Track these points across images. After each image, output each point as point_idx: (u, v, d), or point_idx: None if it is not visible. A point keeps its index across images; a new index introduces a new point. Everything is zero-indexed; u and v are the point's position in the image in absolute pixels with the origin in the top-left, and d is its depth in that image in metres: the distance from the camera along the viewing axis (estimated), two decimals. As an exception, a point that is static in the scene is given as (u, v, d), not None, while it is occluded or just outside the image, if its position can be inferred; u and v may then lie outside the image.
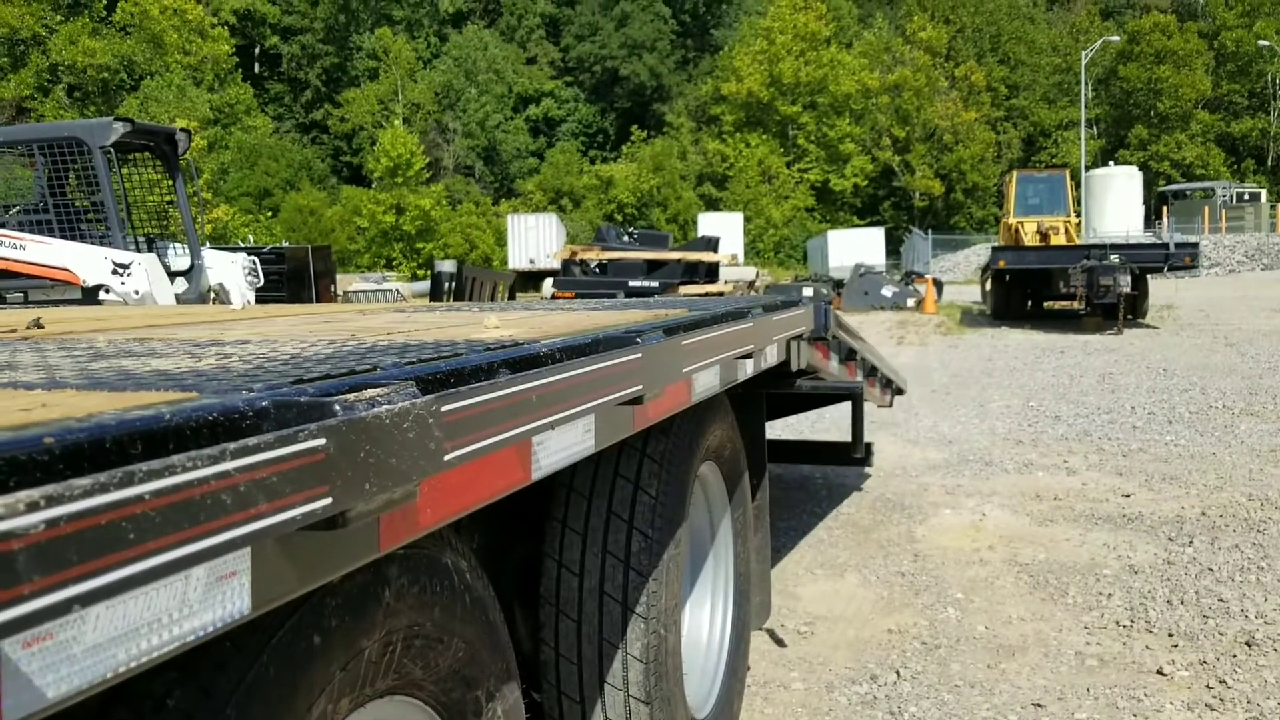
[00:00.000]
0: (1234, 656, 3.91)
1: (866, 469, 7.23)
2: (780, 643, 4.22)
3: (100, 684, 0.76)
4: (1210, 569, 4.93)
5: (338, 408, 0.99)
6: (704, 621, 3.19)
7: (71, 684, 0.74)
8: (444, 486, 1.25)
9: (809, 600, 4.72)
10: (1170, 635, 4.16)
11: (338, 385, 1.08)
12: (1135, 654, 3.99)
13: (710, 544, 3.23)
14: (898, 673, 3.88)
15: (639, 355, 1.77)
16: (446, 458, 1.15)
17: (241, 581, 0.91)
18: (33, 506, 0.68)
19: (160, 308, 7.51)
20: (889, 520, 6.00)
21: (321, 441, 0.94)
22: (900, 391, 6.01)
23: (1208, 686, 3.68)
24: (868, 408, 5.17)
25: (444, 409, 1.14)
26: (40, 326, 2.32)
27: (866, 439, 5.09)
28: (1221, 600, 4.51)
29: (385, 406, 1.04)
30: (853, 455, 4.29)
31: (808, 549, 5.49)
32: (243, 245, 22.42)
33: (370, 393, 1.05)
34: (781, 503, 6.25)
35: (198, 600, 0.85)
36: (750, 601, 3.40)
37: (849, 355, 4.25)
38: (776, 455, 5.29)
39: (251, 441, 0.87)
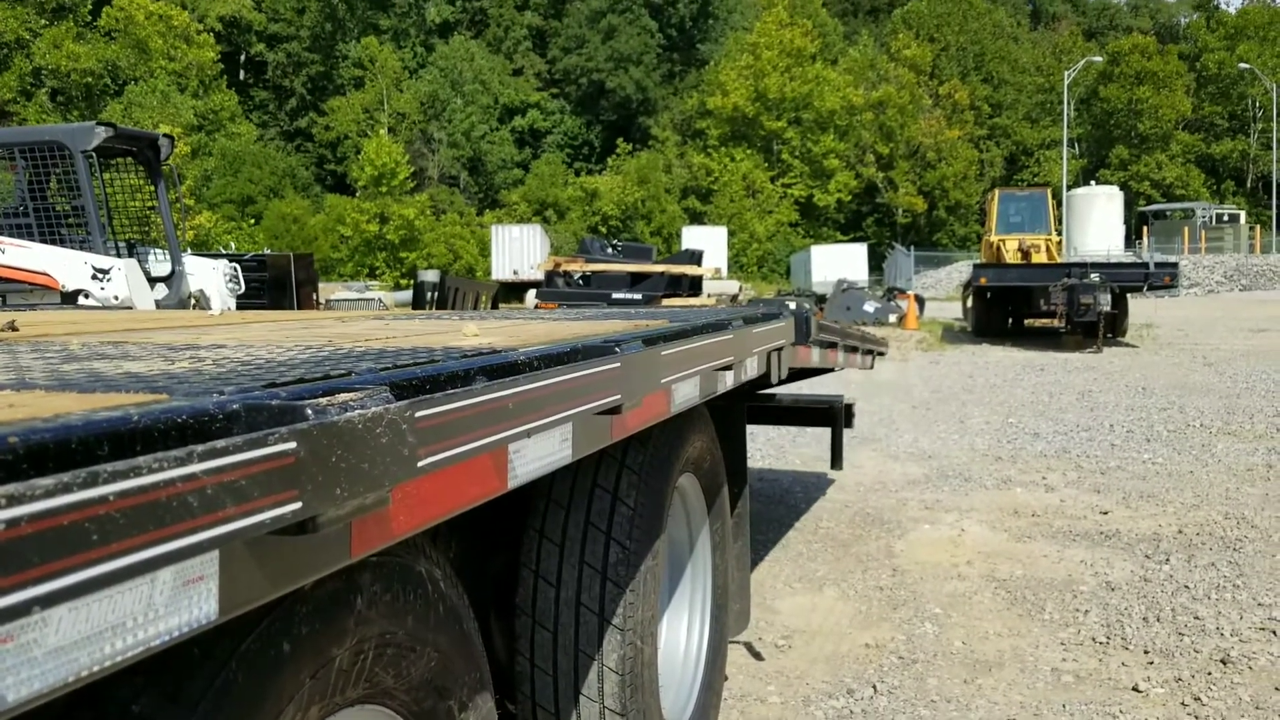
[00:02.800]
0: (1209, 674, 3.93)
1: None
2: (758, 656, 4.22)
3: (62, 688, 0.75)
4: (1186, 587, 4.95)
5: (309, 411, 0.98)
6: (681, 634, 3.18)
7: (32, 687, 0.73)
8: (417, 493, 1.24)
9: (787, 614, 4.72)
10: (1146, 652, 4.17)
11: (310, 389, 1.07)
12: (1111, 671, 4.00)
13: (689, 556, 3.22)
14: (874, 687, 3.88)
15: (618, 365, 1.77)
16: (420, 464, 1.14)
17: (209, 586, 0.90)
18: (-7, 505, 0.67)
19: (138, 312, 7.47)
20: (868, 535, 6.00)
21: (292, 445, 0.93)
22: (881, 353, 6.03)
23: (1183, 704, 3.69)
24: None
25: (418, 415, 1.13)
26: (14, 329, 2.30)
27: (848, 400, 5.11)
28: (1197, 618, 4.53)
29: (358, 411, 1.03)
30: (832, 467, 4.34)
31: (786, 562, 5.49)
32: (224, 252, 22.33)
33: (343, 397, 1.05)
34: (760, 516, 6.25)
35: (164, 604, 0.84)
36: (728, 614, 3.39)
37: (829, 345, 4.26)
38: (759, 418, 5.23)
39: (220, 444, 0.86)
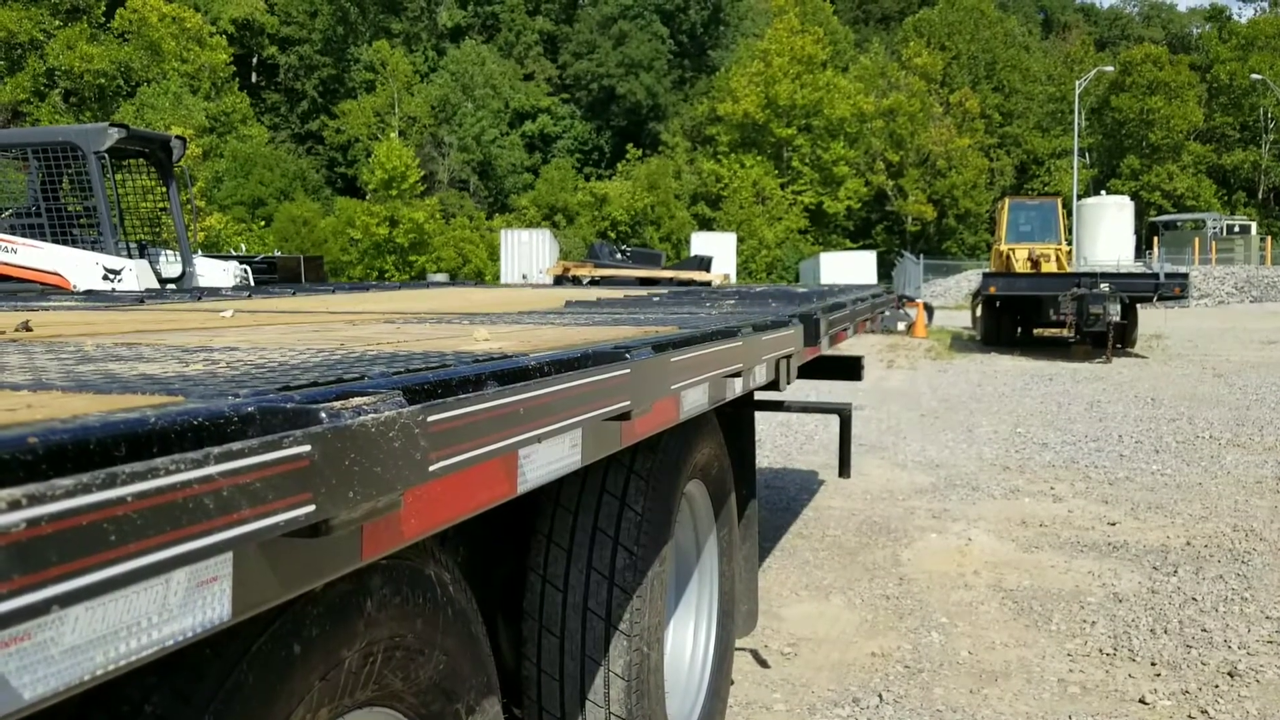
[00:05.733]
0: (1216, 687, 3.92)
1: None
2: (764, 663, 4.22)
3: (78, 686, 0.76)
4: (1194, 599, 4.94)
5: (323, 415, 0.98)
6: (687, 640, 3.18)
7: (49, 685, 0.74)
8: (429, 497, 1.25)
9: (793, 621, 4.72)
10: (1153, 664, 4.16)
11: (324, 393, 1.08)
12: (1118, 682, 3.99)
13: (696, 562, 3.23)
14: (880, 696, 3.88)
15: (627, 371, 1.77)
16: (432, 468, 1.15)
17: (222, 587, 0.90)
18: (14, 505, 0.68)
19: (151, 311, 7.50)
20: (875, 543, 6.00)
21: (306, 448, 0.93)
22: (892, 311, 6.02)
23: (1190, 716, 3.68)
24: (856, 431, 5.18)
25: (430, 419, 1.14)
26: (28, 329, 2.31)
27: (857, 353, 5.09)
28: (1205, 630, 4.51)
29: (371, 415, 1.03)
30: (840, 475, 4.35)
31: (793, 570, 5.49)
32: (235, 254, 22.38)
33: (356, 401, 1.05)
34: (767, 523, 6.25)
35: (178, 605, 0.85)
36: (734, 620, 3.40)
37: (840, 330, 4.27)
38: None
39: (236, 446, 0.87)
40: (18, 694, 0.71)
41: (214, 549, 0.85)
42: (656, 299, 4.49)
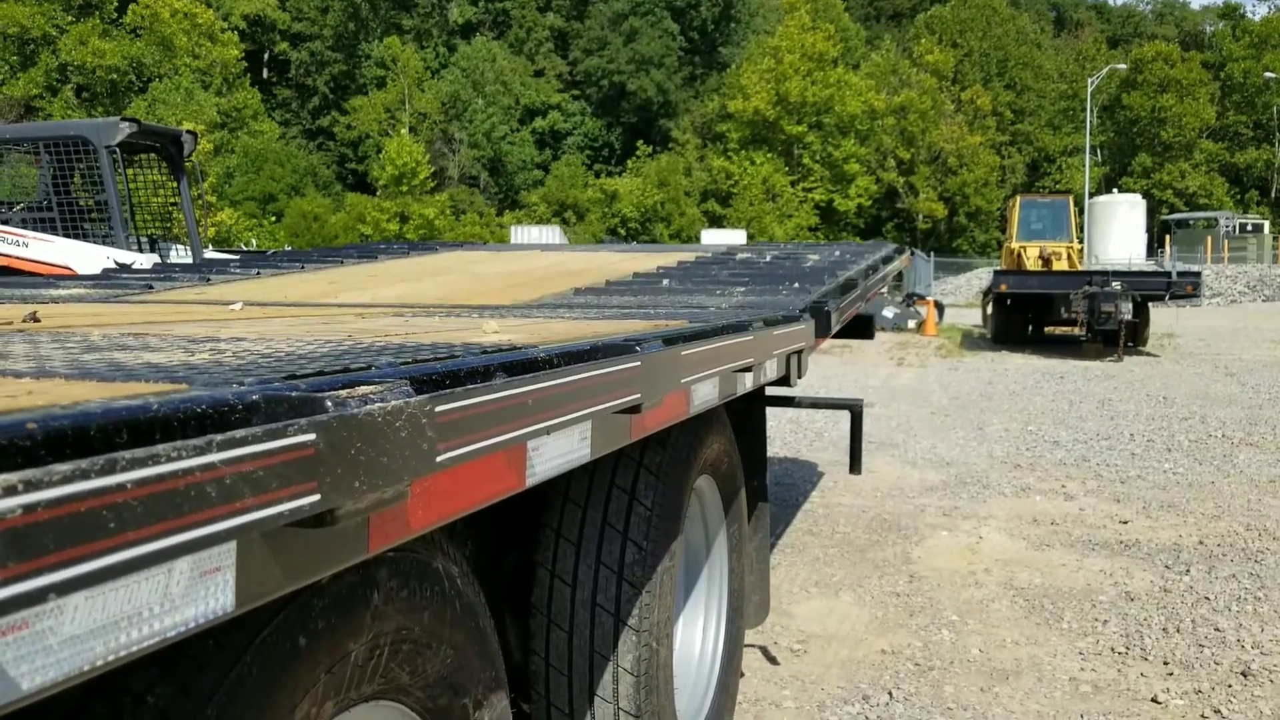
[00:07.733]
0: (1229, 686, 3.89)
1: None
2: (773, 660, 4.20)
3: (77, 677, 0.74)
4: (1207, 598, 4.91)
5: (329, 404, 0.97)
6: (696, 636, 3.17)
7: (47, 676, 0.72)
8: (436, 488, 1.23)
9: (803, 618, 4.70)
10: (1165, 663, 4.13)
11: (330, 382, 1.06)
12: (1130, 681, 3.96)
13: (705, 558, 3.21)
14: (890, 694, 3.86)
15: (638, 364, 1.76)
16: (439, 459, 1.13)
17: (226, 577, 0.89)
18: (10, 491, 0.66)
19: (159, 305, 7.50)
20: (885, 540, 5.97)
21: (311, 437, 0.92)
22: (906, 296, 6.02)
23: (1202, 716, 3.65)
24: (866, 428, 5.15)
25: (438, 409, 1.12)
26: (36, 320, 2.31)
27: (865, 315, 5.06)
28: (1218, 629, 4.48)
29: (378, 404, 1.02)
30: (850, 471, 4.34)
31: (803, 567, 5.47)
32: (246, 249, 22.41)
33: (363, 390, 1.04)
34: (777, 520, 6.24)
35: (180, 595, 0.84)
36: (743, 616, 3.38)
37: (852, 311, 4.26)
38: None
39: (239, 434, 0.85)
40: (15, 684, 0.70)
41: (217, 538, 0.83)
42: (666, 282, 4.45)
